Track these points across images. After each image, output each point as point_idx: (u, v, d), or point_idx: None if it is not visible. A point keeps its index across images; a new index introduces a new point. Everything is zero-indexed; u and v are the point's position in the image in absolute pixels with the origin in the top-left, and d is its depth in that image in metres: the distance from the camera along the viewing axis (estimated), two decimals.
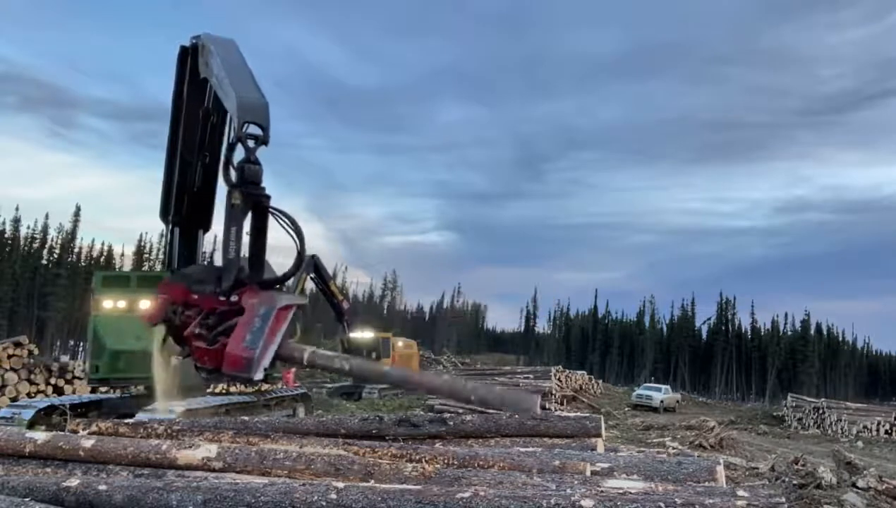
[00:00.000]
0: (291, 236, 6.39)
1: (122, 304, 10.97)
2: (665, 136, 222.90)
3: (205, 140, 11.54)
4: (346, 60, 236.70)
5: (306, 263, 15.73)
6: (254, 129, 6.58)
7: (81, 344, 60.61)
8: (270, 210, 6.28)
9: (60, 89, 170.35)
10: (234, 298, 5.97)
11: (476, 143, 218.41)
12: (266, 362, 5.67)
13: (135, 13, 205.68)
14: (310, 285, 17.00)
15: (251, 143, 6.57)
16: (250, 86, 7.29)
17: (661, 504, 3.04)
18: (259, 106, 6.96)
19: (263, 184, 6.30)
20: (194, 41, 10.90)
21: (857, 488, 9.40)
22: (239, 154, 6.41)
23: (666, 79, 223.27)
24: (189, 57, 10.91)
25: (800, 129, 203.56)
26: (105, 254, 78.80)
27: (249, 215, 6.47)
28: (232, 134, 6.93)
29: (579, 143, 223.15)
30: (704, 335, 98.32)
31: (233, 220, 6.17)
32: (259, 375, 5.70)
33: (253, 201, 6.15)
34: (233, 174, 6.38)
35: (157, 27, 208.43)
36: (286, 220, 6.35)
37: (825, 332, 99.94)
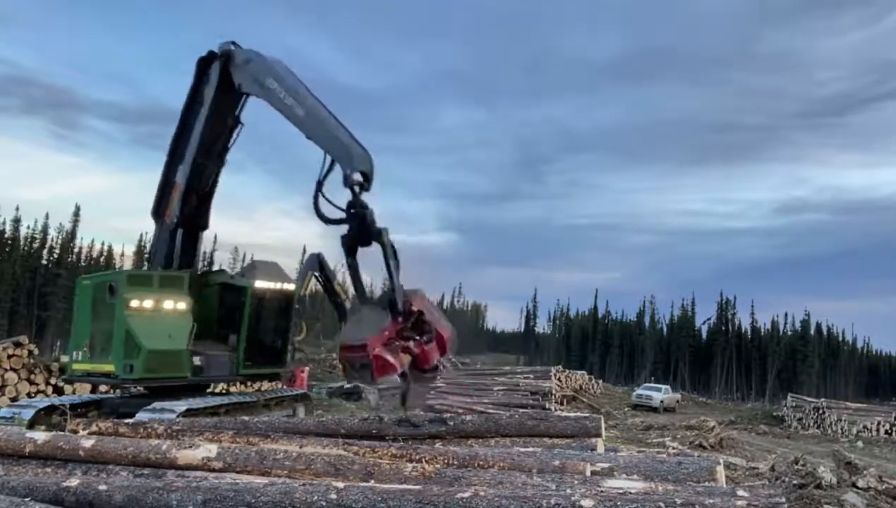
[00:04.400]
0: (391, 262, 7.93)
1: (149, 304, 10.90)
2: (664, 138, 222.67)
3: (227, 146, 11.85)
4: (347, 62, 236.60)
5: (311, 261, 15.77)
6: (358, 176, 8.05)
7: None
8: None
9: (64, 91, 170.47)
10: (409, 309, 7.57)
11: (476, 145, 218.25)
12: None
13: (137, 15, 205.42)
14: (313, 283, 16.96)
15: (357, 189, 8.02)
16: (349, 135, 8.66)
17: (661, 504, 3.04)
18: (368, 158, 8.48)
19: None
20: (224, 48, 10.99)
21: (857, 488, 9.39)
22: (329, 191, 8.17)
23: (665, 81, 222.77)
24: (218, 63, 10.93)
25: (798, 131, 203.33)
26: (105, 254, 78.77)
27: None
28: (326, 173, 8.28)
29: (579, 145, 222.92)
30: (704, 335, 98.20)
31: (395, 256, 7.85)
32: None
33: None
34: (331, 210, 8.14)
35: (160, 29, 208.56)
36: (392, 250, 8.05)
37: (825, 332, 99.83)
